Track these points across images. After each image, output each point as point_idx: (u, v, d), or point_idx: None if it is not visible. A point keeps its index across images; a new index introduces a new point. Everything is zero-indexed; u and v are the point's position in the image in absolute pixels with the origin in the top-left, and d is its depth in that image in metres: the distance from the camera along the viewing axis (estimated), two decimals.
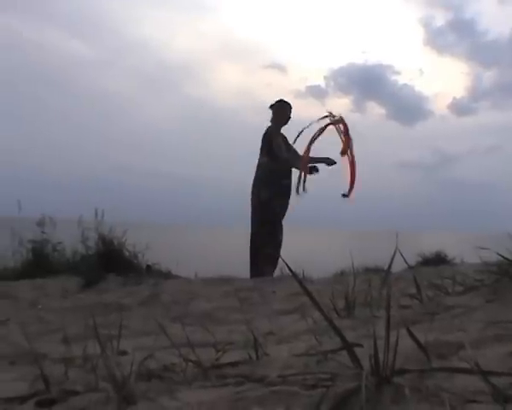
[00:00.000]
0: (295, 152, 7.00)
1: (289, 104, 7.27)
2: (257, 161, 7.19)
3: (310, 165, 6.86)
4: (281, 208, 7.08)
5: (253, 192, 7.13)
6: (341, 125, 6.41)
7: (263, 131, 7.15)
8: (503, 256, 2.23)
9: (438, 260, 8.60)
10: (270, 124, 7.15)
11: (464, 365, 1.07)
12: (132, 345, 1.97)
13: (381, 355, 1.05)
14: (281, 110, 7.16)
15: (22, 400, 1.28)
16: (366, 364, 1.04)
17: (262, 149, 7.13)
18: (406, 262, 2.19)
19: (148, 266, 6.83)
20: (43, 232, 7.30)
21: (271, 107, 7.18)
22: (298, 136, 6.62)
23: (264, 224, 7.00)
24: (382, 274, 3.93)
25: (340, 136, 6.44)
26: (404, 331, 1.19)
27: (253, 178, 7.17)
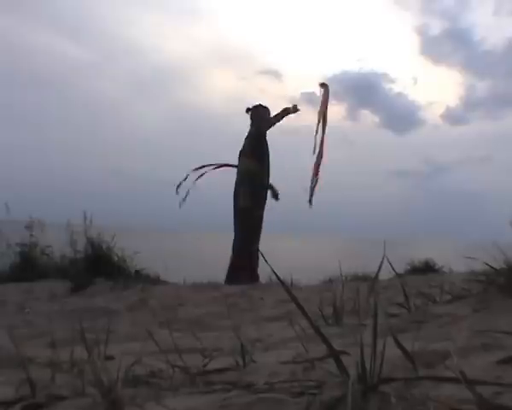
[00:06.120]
0: None
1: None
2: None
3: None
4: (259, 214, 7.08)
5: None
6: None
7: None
8: (489, 265, 2.25)
9: (426, 268, 8.63)
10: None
11: (450, 374, 1.07)
12: (120, 350, 1.96)
13: (367, 363, 1.05)
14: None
15: (8, 405, 1.27)
16: (353, 372, 1.04)
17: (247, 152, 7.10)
18: (394, 270, 2.20)
19: (137, 271, 6.80)
20: (31, 235, 7.26)
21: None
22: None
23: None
24: (371, 282, 3.95)
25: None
26: (391, 340, 1.20)
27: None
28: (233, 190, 7.12)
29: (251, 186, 6.94)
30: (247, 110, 7.18)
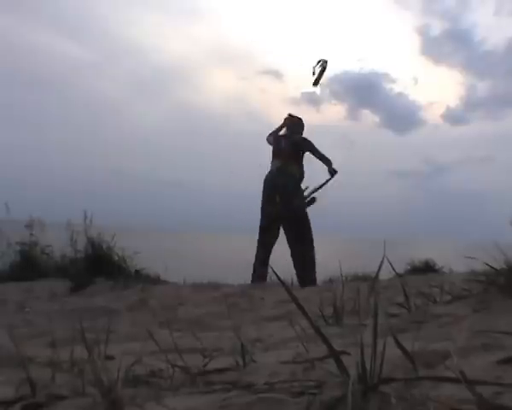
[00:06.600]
0: None
1: None
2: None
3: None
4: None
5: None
6: None
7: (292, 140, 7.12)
8: (490, 265, 2.25)
9: (426, 268, 8.65)
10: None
11: (450, 374, 1.07)
12: (120, 350, 1.97)
13: (368, 364, 1.05)
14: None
15: (8, 404, 1.27)
16: (353, 372, 1.04)
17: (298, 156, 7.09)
18: (394, 270, 2.20)
19: (137, 271, 6.81)
20: (31, 235, 7.28)
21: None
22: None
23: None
24: (371, 282, 3.95)
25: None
26: (391, 340, 1.20)
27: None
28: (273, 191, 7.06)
29: (300, 189, 7.06)
30: (296, 118, 7.33)
